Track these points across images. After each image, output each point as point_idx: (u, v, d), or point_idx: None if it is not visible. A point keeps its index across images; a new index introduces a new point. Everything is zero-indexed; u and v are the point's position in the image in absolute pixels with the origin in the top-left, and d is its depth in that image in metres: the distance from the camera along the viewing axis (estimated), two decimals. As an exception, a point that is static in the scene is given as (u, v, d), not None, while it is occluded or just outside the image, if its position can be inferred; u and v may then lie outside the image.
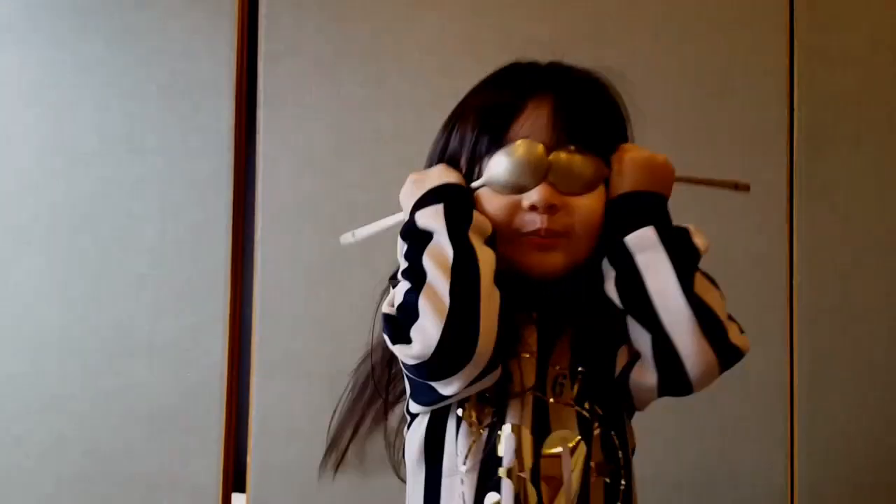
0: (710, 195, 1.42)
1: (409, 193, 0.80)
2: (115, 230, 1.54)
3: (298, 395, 1.48)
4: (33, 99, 1.58)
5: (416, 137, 1.46)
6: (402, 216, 0.80)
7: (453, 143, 0.82)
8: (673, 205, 1.46)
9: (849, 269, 1.41)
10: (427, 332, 0.70)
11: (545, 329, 0.79)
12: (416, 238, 0.75)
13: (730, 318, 0.77)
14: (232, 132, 1.53)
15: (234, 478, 1.53)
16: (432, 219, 0.75)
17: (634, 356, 0.77)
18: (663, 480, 1.40)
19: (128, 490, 1.50)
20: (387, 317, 0.75)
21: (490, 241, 0.76)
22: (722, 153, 1.44)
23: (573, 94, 0.80)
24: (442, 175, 0.80)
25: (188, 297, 1.51)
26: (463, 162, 0.81)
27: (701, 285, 0.75)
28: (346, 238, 0.90)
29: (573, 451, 0.75)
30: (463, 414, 0.76)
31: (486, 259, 0.73)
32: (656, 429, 1.40)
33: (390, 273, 0.84)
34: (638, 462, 1.40)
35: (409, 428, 0.82)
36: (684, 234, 0.78)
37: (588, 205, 0.78)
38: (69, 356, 1.53)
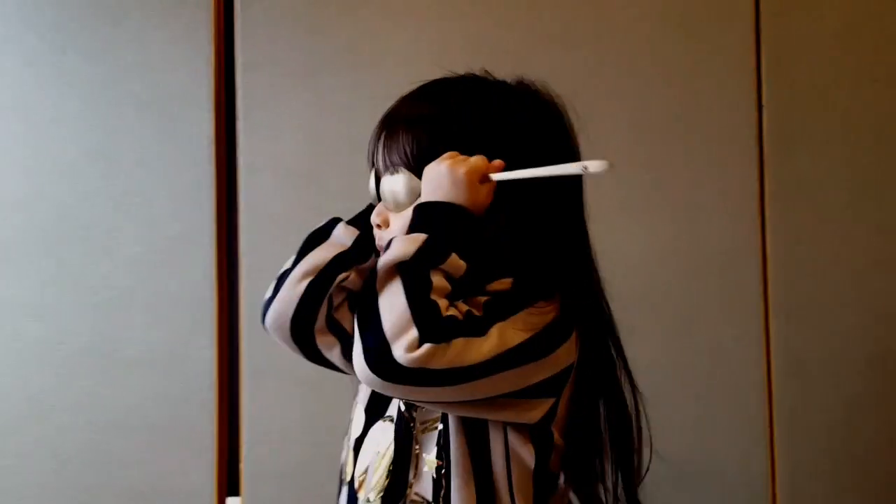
0: (682, 194, 1.46)
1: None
2: (100, 244, 1.56)
3: (288, 401, 1.50)
4: (12, 114, 1.58)
5: (394, 144, 1.50)
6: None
7: None
8: (645, 202, 1.50)
9: (822, 264, 1.44)
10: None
11: None
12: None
13: (466, 320, 0.77)
14: (212, 143, 1.55)
15: (229, 483, 1.56)
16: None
17: None
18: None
19: (123, 500, 1.53)
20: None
21: (359, 244, 0.88)
22: (692, 151, 1.47)
23: (392, 119, 0.90)
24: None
25: (175, 308, 1.53)
26: None
27: (385, 290, 0.77)
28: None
29: (382, 433, 0.86)
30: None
31: (314, 257, 0.87)
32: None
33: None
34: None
35: None
36: (408, 239, 0.80)
37: (399, 223, 0.85)
38: (59, 370, 1.55)
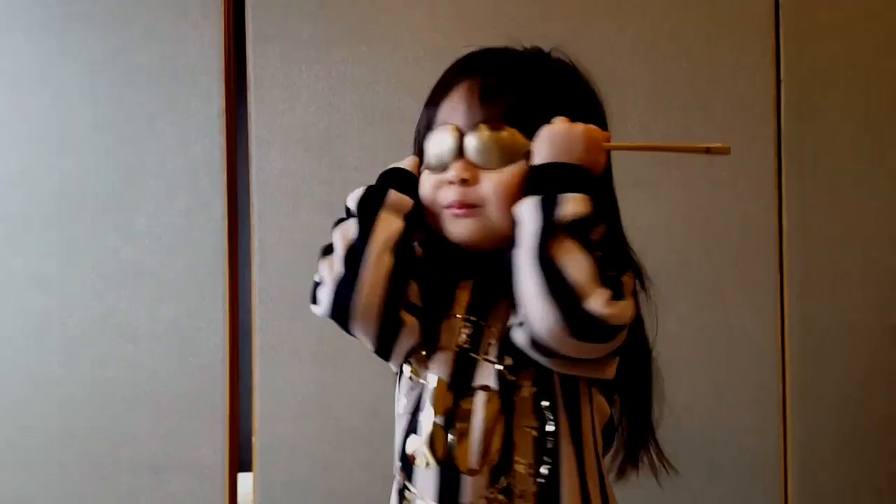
0: (698, 165, 1.45)
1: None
2: (108, 217, 1.55)
3: (300, 375, 1.50)
4: (22, 87, 1.57)
5: (407, 117, 1.47)
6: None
7: (418, 124, 0.92)
8: (661, 176, 1.49)
9: (837, 237, 1.45)
10: (324, 296, 0.83)
11: (480, 294, 0.86)
12: (340, 218, 0.87)
13: (605, 284, 0.77)
14: (223, 115, 1.53)
15: (241, 459, 1.56)
16: (352, 200, 0.86)
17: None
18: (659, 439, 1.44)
19: (135, 473, 1.53)
20: (314, 283, 0.86)
21: (411, 216, 0.85)
22: (710, 123, 1.46)
23: (489, 77, 0.86)
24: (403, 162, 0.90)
25: (187, 281, 1.53)
26: (418, 143, 0.91)
27: (561, 249, 0.76)
28: None
29: (486, 405, 0.82)
30: (409, 369, 0.87)
31: (385, 230, 0.82)
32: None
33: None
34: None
35: None
36: (553, 202, 0.78)
37: (500, 177, 0.83)
38: (71, 344, 1.54)
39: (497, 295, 0.85)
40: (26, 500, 1.54)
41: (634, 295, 0.86)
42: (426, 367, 0.85)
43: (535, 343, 0.78)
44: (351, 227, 0.83)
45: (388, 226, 0.83)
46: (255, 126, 1.52)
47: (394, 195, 0.85)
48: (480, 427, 0.82)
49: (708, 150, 0.86)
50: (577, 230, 0.77)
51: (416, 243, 0.87)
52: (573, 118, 0.84)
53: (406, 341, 0.84)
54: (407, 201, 0.85)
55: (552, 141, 0.82)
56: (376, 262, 0.81)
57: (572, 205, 0.78)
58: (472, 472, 0.81)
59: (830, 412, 1.44)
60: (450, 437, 0.82)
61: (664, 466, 0.94)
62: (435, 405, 0.83)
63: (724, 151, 0.86)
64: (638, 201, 1.44)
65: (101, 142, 1.55)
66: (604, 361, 0.81)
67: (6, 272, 1.56)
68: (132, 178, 1.55)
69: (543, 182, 0.80)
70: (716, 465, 1.45)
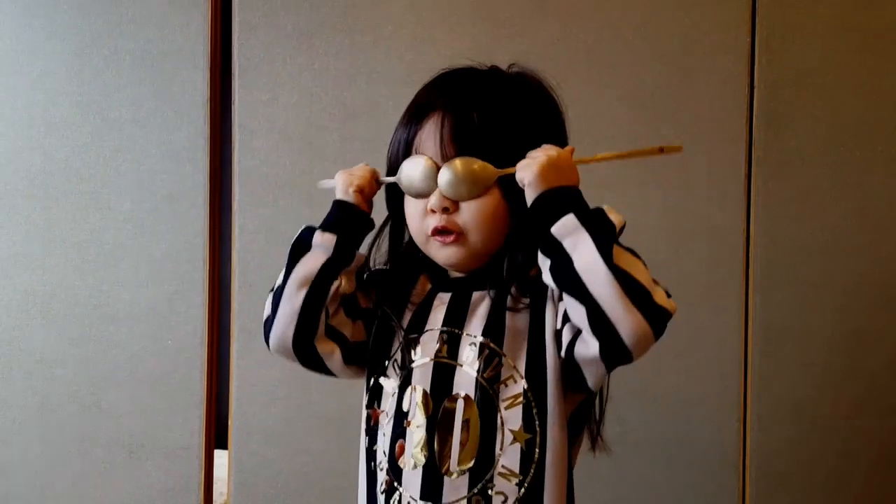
0: (668, 169, 1.48)
1: (338, 188, 0.96)
2: (92, 200, 1.57)
3: (276, 359, 1.52)
4: (7, 68, 1.58)
5: (388, 110, 1.51)
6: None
7: (392, 141, 0.96)
8: (629, 179, 1.52)
9: (802, 242, 1.48)
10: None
11: (457, 306, 0.93)
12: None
13: (655, 282, 0.84)
14: (207, 103, 1.55)
15: (217, 437, 1.59)
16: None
17: (576, 333, 0.85)
18: (620, 440, 1.48)
19: (114, 451, 1.56)
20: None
21: (341, 249, 0.92)
22: (683, 127, 1.49)
23: (459, 111, 0.90)
24: (349, 180, 0.95)
25: (167, 265, 1.55)
26: (390, 162, 0.96)
27: (622, 257, 0.82)
28: (323, 184, 0.99)
29: (464, 411, 0.88)
30: (383, 380, 0.94)
31: (303, 267, 0.91)
32: (611, 392, 1.48)
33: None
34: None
35: None
36: (601, 213, 0.85)
37: (479, 205, 0.90)
38: (51, 323, 1.57)
39: (469, 306, 0.92)
40: (3, 473, 1.58)
41: None
42: (399, 377, 0.92)
43: (609, 349, 0.81)
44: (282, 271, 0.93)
45: (308, 263, 0.92)
46: (238, 114, 1.54)
47: (318, 236, 0.92)
48: (459, 432, 0.87)
49: (661, 150, 0.90)
50: (618, 238, 0.84)
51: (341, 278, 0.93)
52: (539, 136, 0.90)
53: (335, 364, 0.95)
54: (329, 238, 0.92)
55: (546, 171, 0.86)
56: (289, 300, 0.91)
57: (614, 216, 0.85)
58: (452, 474, 0.87)
59: (790, 416, 1.47)
60: (436, 441, 0.88)
61: (601, 447, 0.98)
62: (414, 415, 0.89)
63: (677, 150, 0.91)
64: (610, 201, 1.48)
65: (85, 124, 1.57)
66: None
67: (-10, 250, 1.58)
68: (116, 161, 1.57)
69: (553, 206, 0.84)
70: (676, 462, 1.49)
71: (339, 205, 0.94)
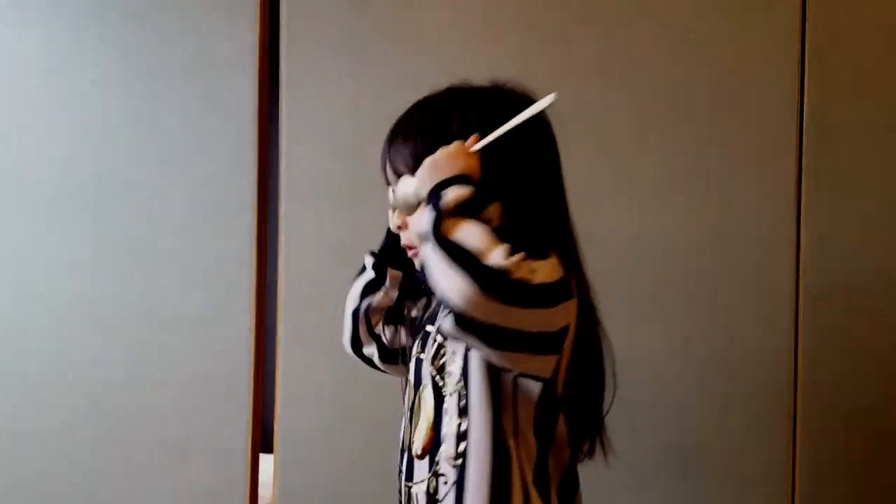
0: (720, 180, 1.46)
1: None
2: (141, 207, 1.60)
3: (322, 364, 1.55)
4: (59, 77, 1.62)
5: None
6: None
7: None
8: (687, 185, 1.49)
9: (854, 251, 1.45)
10: None
11: (435, 305, 1.02)
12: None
13: (498, 244, 0.83)
14: (255, 111, 1.58)
15: (263, 441, 1.61)
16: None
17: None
18: (670, 447, 1.46)
19: (161, 454, 1.59)
20: None
21: (381, 268, 1.10)
22: (732, 135, 1.47)
23: (397, 133, 1.01)
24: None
25: (215, 271, 1.58)
26: None
27: (454, 227, 0.85)
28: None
29: (427, 401, 0.96)
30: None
31: (354, 289, 1.12)
32: (662, 397, 1.46)
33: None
34: (644, 428, 1.47)
35: None
36: (437, 197, 0.87)
37: (418, 220, 0.94)
38: (101, 328, 1.60)
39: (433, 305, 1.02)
40: (52, 475, 1.61)
41: (581, 297, 0.92)
42: (409, 371, 1.03)
43: (459, 320, 0.83)
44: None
45: (357, 282, 1.12)
46: (285, 124, 1.57)
47: (367, 260, 1.11)
48: (423, 419, 0.96)
49: (539, 106, 0.91)
50: (464, 211, 0.86)
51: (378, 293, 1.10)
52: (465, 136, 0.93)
53: (378, 363, 1.13)
54: (369, 261, 1.11)
55: (427, 170, 0.91)
56: (346, 312, 1.13)
57: (452, 192, 0.87)
58: (419, 457, 0.96)
59: (840, 427, 1.45)
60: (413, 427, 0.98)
61: (604, 453, 1.00)
62: (408, 403, 1.01)
63: (550, 100, 0.90)
64: (661, 209, 1.47)
65: (135, 132, 1.61)
66: (536, 355, 0.87)
67: (43, 257, 1.62)
68: (166, 169, 1.60)
69: (432, 198, 0.88)
70: (721, 479, 1.47)
71: (386, 231, 1.07)
